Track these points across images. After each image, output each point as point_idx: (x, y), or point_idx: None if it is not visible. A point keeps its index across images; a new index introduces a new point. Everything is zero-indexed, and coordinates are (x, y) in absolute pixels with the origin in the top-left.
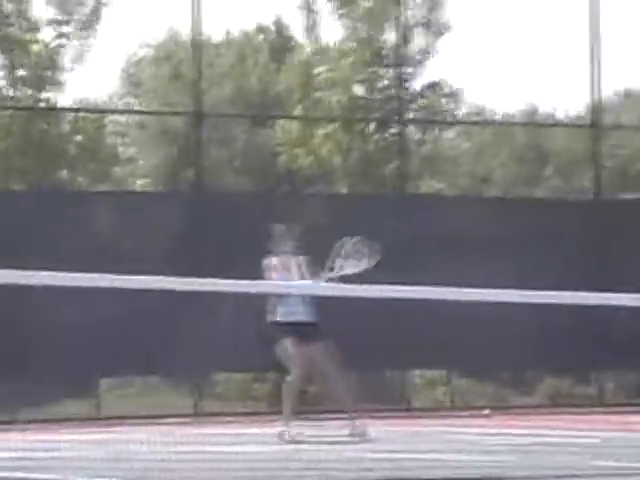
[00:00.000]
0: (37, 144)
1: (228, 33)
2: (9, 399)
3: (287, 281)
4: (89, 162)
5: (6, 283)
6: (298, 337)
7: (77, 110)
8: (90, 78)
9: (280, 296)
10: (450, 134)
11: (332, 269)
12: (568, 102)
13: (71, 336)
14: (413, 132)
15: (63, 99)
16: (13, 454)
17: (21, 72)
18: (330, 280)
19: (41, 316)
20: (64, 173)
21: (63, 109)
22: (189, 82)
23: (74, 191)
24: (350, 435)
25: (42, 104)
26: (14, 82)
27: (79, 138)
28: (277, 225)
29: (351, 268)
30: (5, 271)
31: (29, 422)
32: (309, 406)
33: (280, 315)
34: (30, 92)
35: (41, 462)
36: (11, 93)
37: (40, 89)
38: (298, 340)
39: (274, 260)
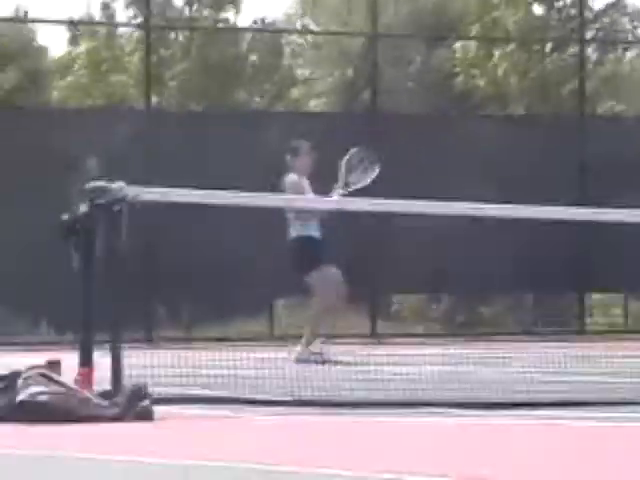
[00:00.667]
0: (215, 65)
1: None
2: (186, 317)
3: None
4: (266, 83)
5: (203, 202)
6: (314, 255)
7: (255, 30)
8: None
9: (299, 214)
10: (630, 54)
11: (346, 185)
12: None
13: (249, 257)
14: (592, 52)
15: (241, 19)
16: (189, 371)
17: None
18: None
19: (219, 238)
20: (242, 94)
21: (241, 29)
22: (365, 2)
23: (251, 111)
24: (297, 360)
25: (220, 24)
26: (192, 3)
27: (256, 59)
28: (298, 141)
29: (362, 180)
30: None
31: (205, 340)
32: (486, 327)
33: (298, 232)
34: (208, 12)
35: (217, 379)
36: (190, 14)
37: (219, 9)
38: (314, 259)
39: (297, 177)
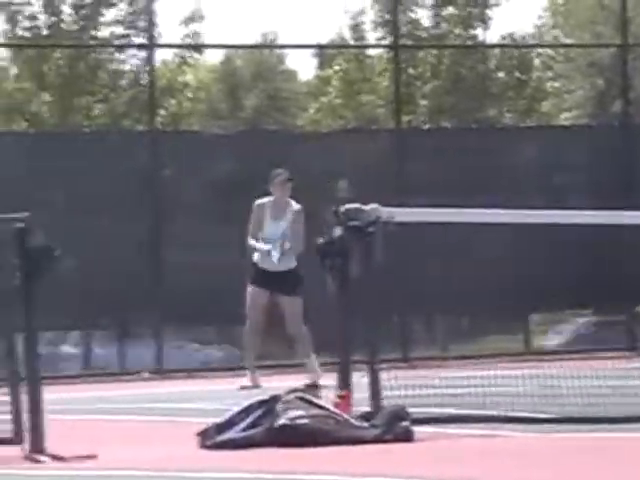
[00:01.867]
0: (465, 81)
1: None
2: (440, 335)
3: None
4: (516, 97)
5: (456, 221)
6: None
7: (503, 46)
8: (516, 12)
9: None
10: None
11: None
12: None
13: (502, 272)
14: None
15: (490, 35)
16: (442, 390)
17: (449, 10)
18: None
19: (470, 253)
20: (492, 110)
21: (489, 45)
22: (615, 12)
23: (502, 127)
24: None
25: (469, 42)
26: (440, 21)
27: (505, 74)
28: (278, 170)
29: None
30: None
31: (461, 358)
32: None
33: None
34: (458, 30)
35: (473, 398)
36: (438, 32)
37: (467, 27)
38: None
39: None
